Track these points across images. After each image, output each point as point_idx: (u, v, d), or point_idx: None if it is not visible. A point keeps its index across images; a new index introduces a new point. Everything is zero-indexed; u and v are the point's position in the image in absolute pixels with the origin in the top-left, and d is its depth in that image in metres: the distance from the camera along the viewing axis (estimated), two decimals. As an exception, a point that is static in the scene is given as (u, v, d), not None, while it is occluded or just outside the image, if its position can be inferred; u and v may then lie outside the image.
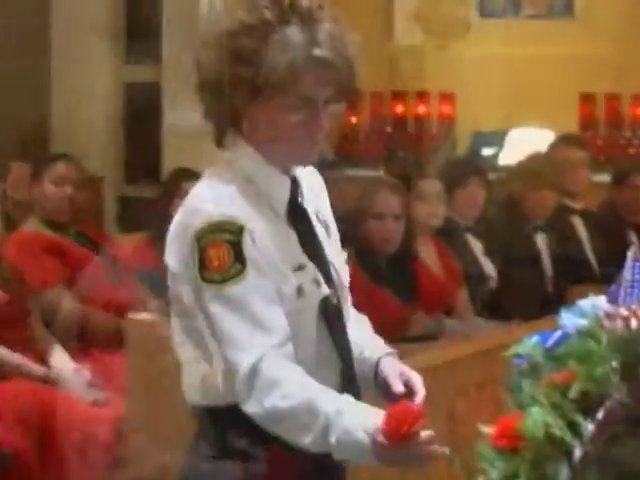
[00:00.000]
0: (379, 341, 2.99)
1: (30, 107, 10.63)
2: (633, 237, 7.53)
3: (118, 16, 11.09)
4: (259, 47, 2.65)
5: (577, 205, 7.41)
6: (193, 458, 2.86)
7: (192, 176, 6.66)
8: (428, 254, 6.35)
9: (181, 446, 4.60)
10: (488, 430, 2.48)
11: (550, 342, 2.57)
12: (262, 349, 2.65)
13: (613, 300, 2.62)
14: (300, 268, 2.73)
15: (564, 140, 7.80)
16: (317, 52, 2.66)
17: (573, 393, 2.44)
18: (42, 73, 10.78)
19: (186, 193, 6.69)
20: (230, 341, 2.68)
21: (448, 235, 6.53)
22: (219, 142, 2.80)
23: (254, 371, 2.64)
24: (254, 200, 2.73)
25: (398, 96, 10.91)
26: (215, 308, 2.69)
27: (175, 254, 2.75)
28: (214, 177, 2.79)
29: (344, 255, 2.97)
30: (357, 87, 2.77)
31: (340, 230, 2.95)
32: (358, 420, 2.61)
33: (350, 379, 2.82)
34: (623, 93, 10.64)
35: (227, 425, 2.75)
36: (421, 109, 10.97)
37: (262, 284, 2.67)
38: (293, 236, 2.78)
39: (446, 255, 6.47)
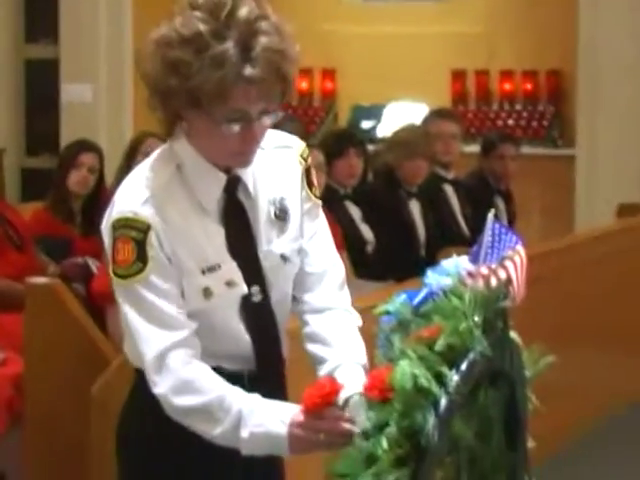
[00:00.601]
0: (355, 353, 2.79)
1: None
2: (499, 202, 7.62)
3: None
4: (192, 60, 2.51)
5: (448, 174, 7.46)
6: (125, 410, 2.80)
7: (88, 148, 6.62)
8: (311, 219, 6.35)
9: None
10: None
11: (417, 300, 2.59)
12: (162, 345, 2.60)
13: (475, 260, 2.65)
14: (211, 270, 2.64)
15: (438, 114, 7.84)
16: (247, 71, 2.51)
17: (439, 347, 2.46)
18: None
19: (81, 164, 6.70)
20: (134, 332, 2.64)
21: (328, 202, 6.48)
22: (168, 133, 2.67)
23: (158, 366, 2.60)
24: (178, 193, 2.65)
25: (284, 72, 10.88)
26: (120, 299, 2.65)
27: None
28: (145, 168, 2.69)
29: (317, 237, 2.89)
30: (290, 98, 2.66)
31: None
32: (272, 413, 2.57)
33: (261, 380, 2.72)
34: (492, 70, 10.74)
35: None
36: (304, 85, 10.98)
37: (162, 283, 2.60)
38: (220, 233, 2.68)
39: (327, 220, 6.46)
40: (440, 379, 2.43)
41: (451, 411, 2.43)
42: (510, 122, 10.56)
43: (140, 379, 2.68)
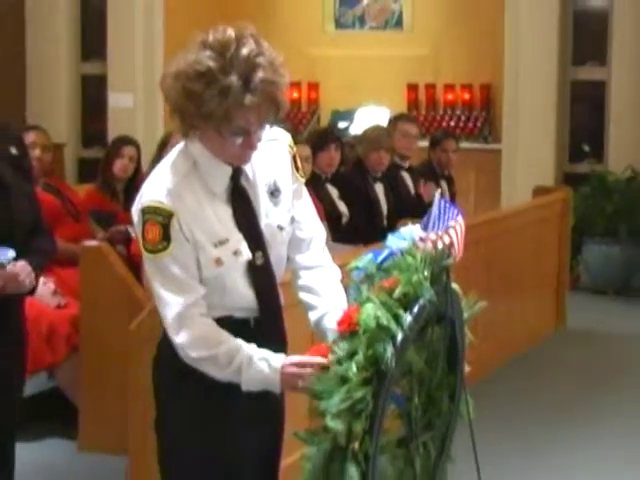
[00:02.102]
0: (339, 301, 2.74)
1: (13, 94, 10.45)
2: (444, 184, 7.59)
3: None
4: (204, 91, 2.49)
5: (405, 164, 7.43)
6: (158, 350, 2.76)
7: (128, 142, 6.58)
8: (299, 198, 6.33)
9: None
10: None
11: (380, 258, 2.57)
12: (180, 306, 2.58)
13: (425, 228, 2.63)
14: (221, 243, 2.61)
15: (404, 118, 7.84)
16: (248, 99, 2.49)
17: (396, 294, 2.45)
18: (18, 73, 10.61)
19: (123, 154, 6.64)
20: (158, 297, 2.62)
21: (313, 185, 6.50)
22: (185, 136, 2.63)
23: (177, 324, 2.59)
24: (194, 184, 2.62)
25: (278, 85, 10.86)
26: (149, 269, 2.64)
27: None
28: (168, 164, 2.66)
29: (304, 209, 2.82)
30: (282, 116, 2.62)
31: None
32: (265, 360, 2.57)
33: (264, 324, 2.69)
34: (437, 83, 10.71)
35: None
36: (295, 95, 10.95)
37: (182, 257, 2.58)
38: (228, 212, 2.65)
39: (312, 198, 6.42)
40: (397, 319, 2.41)
41: (405, 344, 2.42)
42: (452, 123, 10.53)
43: (165, 333, 2.67)
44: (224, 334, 2.61)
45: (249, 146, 2.60)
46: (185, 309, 2.59)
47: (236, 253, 2.63)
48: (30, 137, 5.84)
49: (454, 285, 2.62)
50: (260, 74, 2.52)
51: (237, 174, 2.67)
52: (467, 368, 2.74)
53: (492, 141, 10.35)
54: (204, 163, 2.64)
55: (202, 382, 2.61)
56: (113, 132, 9.34)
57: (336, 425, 2.32)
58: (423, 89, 10.71)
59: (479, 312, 2.73)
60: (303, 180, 2.84)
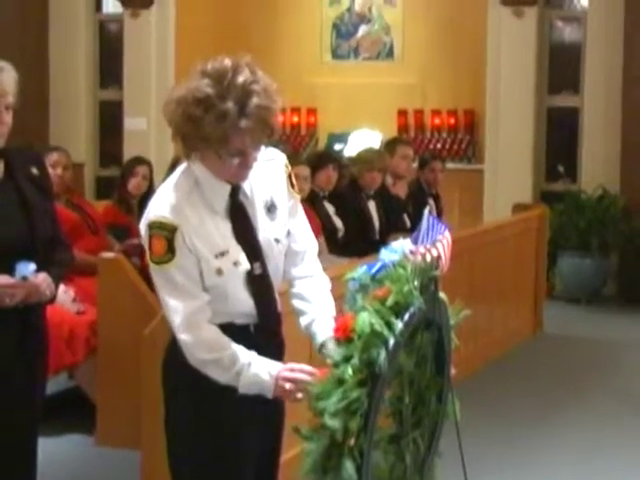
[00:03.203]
0: (328, 308, 2.73)
1: (38, 118, 10.45)
2: (431, 202, 7.58)
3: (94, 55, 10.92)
4: (202, 115, 2.48)
5: (397, 182, 7.42)
6: (166, 357, 2.74)
7: (142, 162, 6.58)
8: (298, 214, 6.32)
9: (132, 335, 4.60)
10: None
11: (373, 270, 2.56)
12: (186, 312, 2.57)
13: (415, 242, 2.62)
14: (222, 254, 2.59)
15: (401, 141, 7.86)
16: (243, 123, 2.48)
17: (389, 303, 2.44)
18: (42, 99, 10.61)
19: (137, 173, 6.64)
20: (165, 305, 2.61)
21: (312, 202, 6.51)
22: (186, 157, 2.62)
23: (184, 328, 2.57)
24: (196, 201, 2.60)
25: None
26: (156, 280, 2.62)
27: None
28: (172, 183, 2.65)
29: (298, 223, 2.78)
30: (274, 137, 2.61)
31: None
32: (263, 367, 2.56)
33: (263, 330, 2.67)
34: (425, 109, 10.71)
35: None
36: (295, 119, 10.96)
37: (186, 267, 2.56)
38: (227, 227, 2.63)
39: (310, 214, 6.42)
40: (390, 326, 2.40)
41: (397, 348, 2.41)
42: (438, 146, 10.53)
43: (172, 340, 2.65)
44: (227, 340, 2.59)
45: (245, 166, 2.58)
46: (191, 315, 2.57)
47: (236, 264, 2.61)
48: (53, 157, 5.83)
49: (441, 294, 2.62)
50: (255, 100, 2.50)
51: (236, 192, 2.65)
52: (453, 370, 2.73)
53: (475, 162, 10.34)
54: (205, 182, 2.62)
55: (207, 385, 2.59)
56: (128, 153, 9.35)
57: (333, 423, 2.31)
58: (412, 114, 10.71)
59: (463, 319, 2.72)
60: (298, 197, 2.81)
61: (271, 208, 2.71)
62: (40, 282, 3.05)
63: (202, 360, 2.58)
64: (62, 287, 5.28)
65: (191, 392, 2.66)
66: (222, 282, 2.60)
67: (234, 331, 2.61)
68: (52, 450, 4.88)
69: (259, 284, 2.66)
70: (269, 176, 2.73)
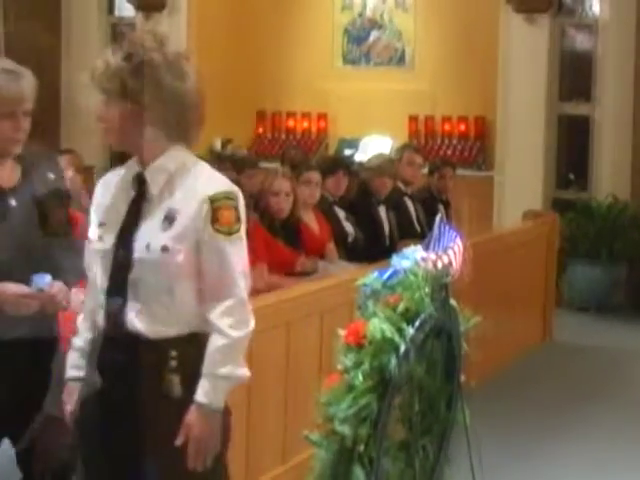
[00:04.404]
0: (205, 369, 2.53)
1: (48, 123, 10.47)
2: (441, 208, 7.58)
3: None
4: None
5: (407, 189, 7.43)
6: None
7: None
8: (309, 219, 6.32)
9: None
10: (342, 332, 2.48)
11: (385, 276, 2.56)
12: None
13: (426, 249, 2.62)
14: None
15: (408, 148, 7.86)
16: None
17: (400, 309, 2.44)
18: (55, 103, 10.65)
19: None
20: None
21: (323, 206, 6.51)
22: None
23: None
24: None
25: (291, 116, 10.90)
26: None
27: None
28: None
29: (210, 264, 2.54)
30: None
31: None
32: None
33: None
34: (436, 115, 10.71)
35: None
36: (305, 124, 10.97)
37: None
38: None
39: (321, 219, 6.45)
40: (401, 332, 2.41)
41: (408, 355, 2.41)
42: (449, 152, 10.52)
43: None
44: None
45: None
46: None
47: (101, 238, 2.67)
48: (64, 159, 5.86)
49: (452, 301, 2.62)
50: None
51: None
52: (462, 377, 2.73)
53: (485, 169, 10.33)
54: None
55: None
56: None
57: (343, 429, 2.32)
58: (423, 120, 10.70)
59: (474, 326, 2.72)
60: (221, 236, 2.55)
61: (169, 218, 2.57)
62: (56, 292, 3.06)
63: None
64: (73, 289, 5.30)
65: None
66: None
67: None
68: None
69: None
70: (188, 196, 2.58)
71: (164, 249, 2.53)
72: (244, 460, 4.00)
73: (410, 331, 2.41)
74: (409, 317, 2.43)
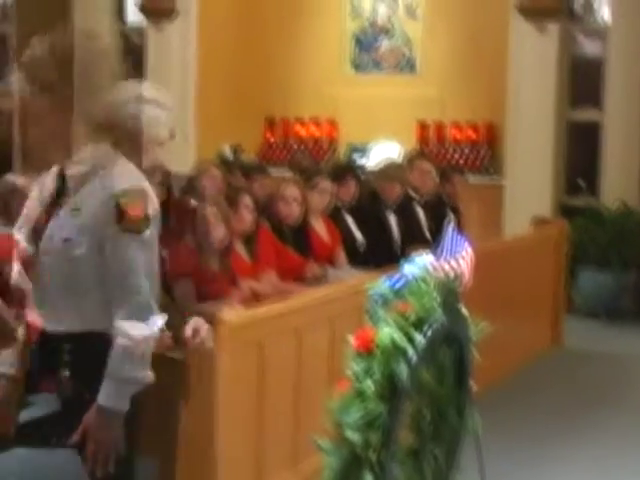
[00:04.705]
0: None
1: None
2: (451, 215, 7.55)
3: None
4: None
5: (417, 196, 7.43)
6: None
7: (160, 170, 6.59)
8: (319, 225, 6.33)
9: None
10: (352, 339, 2.48)
11: (395, 283, 2.56)
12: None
13: (437, 256, 2.62)
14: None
15: (419, 156, 7.87)
16: None
17: (410, 317, 2.44)
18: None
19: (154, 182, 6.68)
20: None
21: (332, 213, 6.52)
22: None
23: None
24: None
25: (300, 122, 10.91)
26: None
27: None
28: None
29: (111, 264, 2.52)
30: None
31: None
32: None
33: None
34: (446, 122, 10.70)
35: None
36: (314, 130, 10.98)
37: None
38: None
39: (331, 226, 6.46)
40: (411, 340, 2.40)
41: (418, 363, 2.41)
42: (457, 157, 10.52)
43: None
44: None
45: None
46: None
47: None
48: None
49: (462, 309, 2.62)
50: None
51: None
52: (473, 385, 2.73)
53: (495, 175, 10.33)
54: None
55: None
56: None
57: (354, 436, 2.32)
58: (432, 127, 10.71)
59: (484, 333, 2.72)
60: (127, 234, 2.53)
61: (74, 211, 2.56)
62: None
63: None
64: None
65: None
66: None
67: None
68: (64, 459, 4.88)
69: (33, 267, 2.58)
70: (96, 193, 2.57)
71: (66, 240, 2.51)
72: (254, 465, 4.00)
73: (421, 339, 2.41)
74: (420, 325, 2.43)
